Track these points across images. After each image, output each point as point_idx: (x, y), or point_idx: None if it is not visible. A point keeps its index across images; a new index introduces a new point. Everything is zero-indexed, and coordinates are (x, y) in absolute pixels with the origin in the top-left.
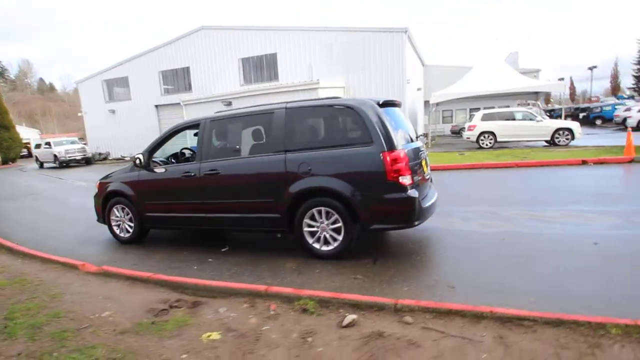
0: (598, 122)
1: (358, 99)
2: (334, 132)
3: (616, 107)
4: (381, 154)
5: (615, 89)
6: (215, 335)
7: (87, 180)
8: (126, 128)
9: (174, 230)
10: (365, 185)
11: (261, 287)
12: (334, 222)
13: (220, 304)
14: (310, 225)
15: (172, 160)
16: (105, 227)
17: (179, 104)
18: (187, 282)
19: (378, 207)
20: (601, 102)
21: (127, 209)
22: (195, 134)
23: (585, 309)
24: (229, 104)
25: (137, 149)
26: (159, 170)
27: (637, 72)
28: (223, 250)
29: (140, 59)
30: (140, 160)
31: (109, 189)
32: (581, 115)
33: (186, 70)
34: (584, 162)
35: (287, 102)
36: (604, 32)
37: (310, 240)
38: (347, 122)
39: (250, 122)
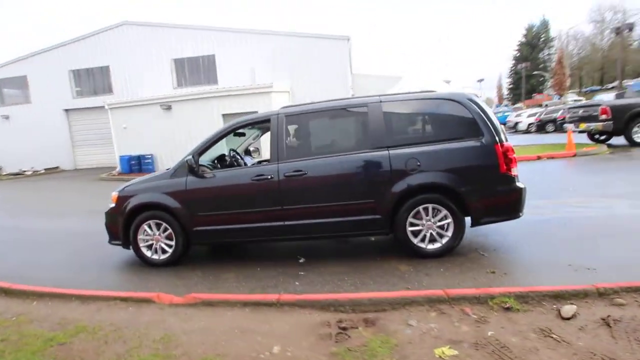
0: None
1: (457, 92)
2: (438, 126)
3: (506, 114)
4: (494, 147)
5: (500, 99)
6: (448, 351)
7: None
8: (26, 137)
9: (223, 245)
10: (478, 178)
11: (438, 292)
12: (442, 219)
13: (402, 316)
14: (412, 224)
15: (217, 165)
16: (104, 248)
17: (97, 107)
18: (341, 299)
19: (490, 200)
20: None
21: (164, 224)
22: (236, 135)
23: None
24: (169, 107)
25: (41, 160)
26: (209, 175)
27: (509, 85)
28: (300, 261)
29: (44, 56)
30: (192, 165)
31: (135, 202)
32: None
33: (105, 70)
34: (539, 158)
35: (379, 96)
36: (497, 47)
37: (414, 240)
38: (451, 115)
39: (338, 117)
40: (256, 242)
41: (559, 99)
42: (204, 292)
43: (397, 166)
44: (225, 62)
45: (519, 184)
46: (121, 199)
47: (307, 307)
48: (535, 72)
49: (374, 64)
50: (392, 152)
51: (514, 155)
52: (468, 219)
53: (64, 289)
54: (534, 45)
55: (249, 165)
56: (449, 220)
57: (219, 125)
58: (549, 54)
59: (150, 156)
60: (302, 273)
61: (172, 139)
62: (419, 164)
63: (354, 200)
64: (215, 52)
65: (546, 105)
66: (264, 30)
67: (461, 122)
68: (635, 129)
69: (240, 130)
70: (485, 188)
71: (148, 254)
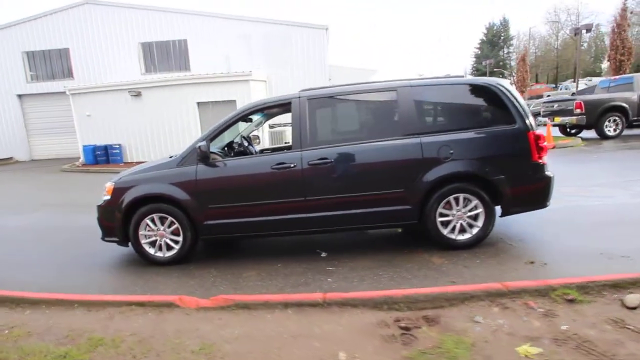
0: None
1: (488, 78)
2: (470, 112)
3: None
4: (527, 134)
5: None
6: (531, 349)
7: None
8: None
9: (233, 239)
10: (510, 167)
11: (496, 285)
12: (472, 209)
13: (463, 313)
14: (442, 215)
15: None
16: (87, 246)
17: (55, 93)
18: (396, 295)
19: (522, 189)
20: None
21: (170, 218)
22: (246, 121)
23: None
24: (138, 94)
25: None
26: (221, 164)
27: None
28: (322, 255)
29: None
30: (205, 151)
31: (136, 194)
32: None
33: (64, 53)
34: None
35: (409, 80)
36: (462, 44)
37: (444, 231)
38: (483, 102)
39: (364, 102)
40: (274, 236)
41: (565, 88)
42: (229, 293)
43: (429, 154)
44: (198, 47)
45: (549, 173)
46: (118, 191)
47: (358, 306)
48: (495, 69)
49: (348, 57)
50: (424, 139)
51: (544, 144)
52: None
53: (63, 294)
54: (494, 43)
55: (255, 153)
56: (480, 210)
57: (194, 114)
58: (508, 53)
59: (118, 146)
60: (330, 268)
61: (143, 127)
62: (451, 151)
63: (382, 190)
64: (187, 37)
65: (548, 95)
66: (240, 16)
67: (493, 108)
68: (606, 122)
69: (251, 116)
70: (518, 177)
71: (151, 251)
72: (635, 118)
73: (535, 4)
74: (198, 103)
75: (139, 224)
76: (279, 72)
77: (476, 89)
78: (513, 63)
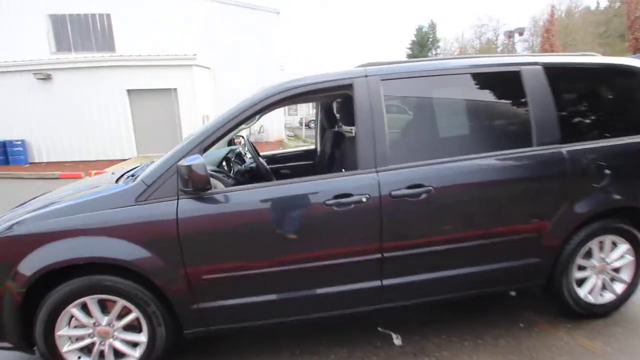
0: None
1: (634, 60)
2: (623, 113)
3: None
4: None
5: None
6: None
7: None
8: None
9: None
10: None
11: None
12: (619, 259)
13: None
14: (580, 268)
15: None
16: None
17: None
18: None
19: None
20: None
21: (123, 301)
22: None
23: None
24: (47, 77)
25: None
26: (223, 198)
27: None
28: (397, 342)
29: None
30: (199, 174)
31: (54, 257)
32: None
33: None
34: None
35: (534, 55)
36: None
37: (581, 293)
38: (635, 95)
39: (472, 88)
40: (321, 319)
41: None
42: None
43: (577, 173)
44: (125, 24)
45: None
46: (7, 249)
47: None
48: None
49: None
50: (569, 150)
51: None
52: None
53: None
54: (423, 44)
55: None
56: (630, 259)
57: (124, 104)
58: (435, 54)
59: (20, 142)
60: None
61: (54, 119)
62: (607, 171)
63: (503, 235)
64: (110, 11)
65: None
66: None
67: None
68: None
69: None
70: None
71: None
72: None
73: (459, 10)
74: (129, 91)
75: (57, 316)
76: (222, 56)
77: (626, 75)
78: None
